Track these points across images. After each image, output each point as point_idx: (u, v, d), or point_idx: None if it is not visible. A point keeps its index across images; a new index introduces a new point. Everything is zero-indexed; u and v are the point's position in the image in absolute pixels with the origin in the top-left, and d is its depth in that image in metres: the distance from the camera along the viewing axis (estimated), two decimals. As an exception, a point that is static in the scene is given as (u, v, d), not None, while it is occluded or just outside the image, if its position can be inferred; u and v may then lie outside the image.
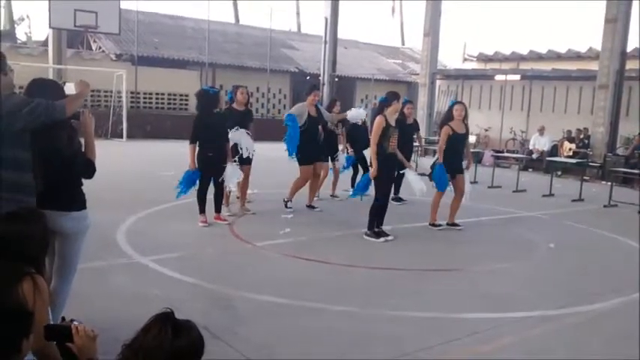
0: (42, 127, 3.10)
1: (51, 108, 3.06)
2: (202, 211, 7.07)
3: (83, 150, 3.37)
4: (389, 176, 6.95)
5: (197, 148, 6.90)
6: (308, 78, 23.55)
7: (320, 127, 8.33)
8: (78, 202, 3.37)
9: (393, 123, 6.78)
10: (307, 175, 8.25)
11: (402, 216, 8.12)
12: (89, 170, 3.36)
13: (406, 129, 8.59)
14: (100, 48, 20.71)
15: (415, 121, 9.72)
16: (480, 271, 5.90)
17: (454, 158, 7.62)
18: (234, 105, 7.67)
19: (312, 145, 8.12)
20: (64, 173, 3.28)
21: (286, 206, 8.18)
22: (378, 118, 6.71)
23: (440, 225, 7.63)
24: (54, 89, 3.35)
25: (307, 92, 8.25)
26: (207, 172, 6.97)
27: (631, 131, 15.56)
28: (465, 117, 7.64)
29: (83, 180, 3.42)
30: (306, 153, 8.08)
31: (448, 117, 7.70)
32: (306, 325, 4.21)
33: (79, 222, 3.37)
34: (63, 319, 2.48)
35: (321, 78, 23.15)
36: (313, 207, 8.55)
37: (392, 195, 9.15)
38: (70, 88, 3.44)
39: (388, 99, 6.83)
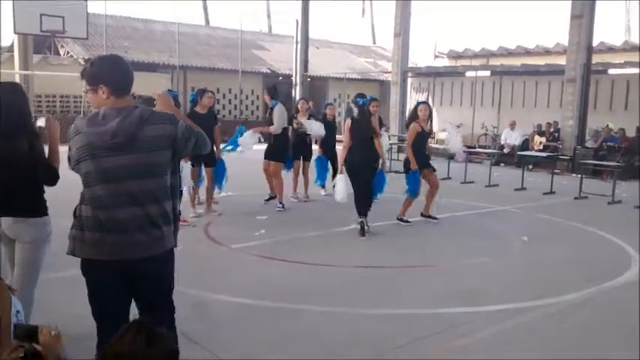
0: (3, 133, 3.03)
1: (205, 141, 2.80)
2: None
3: (46, 156, 3.25)
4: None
5: None
6: (280, 79, 23.51)
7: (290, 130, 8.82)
8: (38, 209, 3.25)
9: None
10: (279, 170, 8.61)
11: (375, 213, 8.14)
12: (52, 177, 3.23)
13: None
14: (68, 53, 20.38)
15: (379, 118, 9.64)
16: (455, 266, 5.97)
17: (422, 155, 7.73)
18: (197, 108, 7.62)
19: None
20: (23, 179, 3.15)
21: (283, 207, 8.43)
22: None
23: (408, 222, 7.71)
24: (16, 94, 3.27)
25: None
26: None
27: (599, 124, 15.86)
28: (429, 116, 7.81)
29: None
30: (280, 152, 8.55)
31: (414, 116, 7.87)
32: (286, 327, 4.21)
33: (39, 229, 3.25)
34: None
35: (293, 78, 23.13)
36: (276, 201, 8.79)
37: None
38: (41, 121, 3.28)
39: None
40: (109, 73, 2.64)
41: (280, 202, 8.48)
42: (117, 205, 2.54)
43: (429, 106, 7.92)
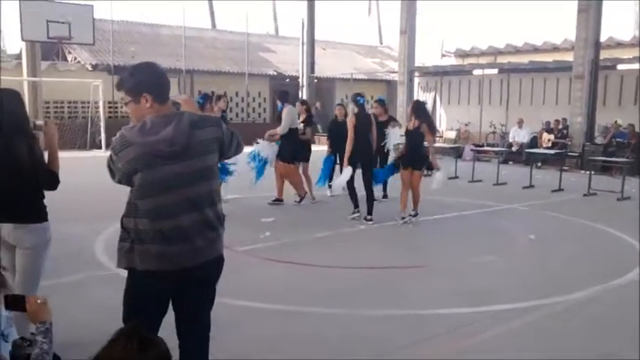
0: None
1: (242, 142, 2.79)
2: None
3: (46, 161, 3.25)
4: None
5: None
6: (287, 81, 23.52)
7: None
8: (37, 215, 3.23)
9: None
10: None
11: (380, 214, 8.11)
12: (52, 182, 3.23)
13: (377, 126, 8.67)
14: (75, 59, 20.50)
15: (389, 116, 9.75)
16: (462, 266, 5.93)
17: (410, 153, 7.71)
18: (215, 111, 7.83)
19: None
20: (23, 185, 3.14)
21: (300, 201, 9.01)
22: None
23: (403, 218, 7.71)
24: (13, 99, 3.28)
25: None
26: None
27: (608, 120, 15.73)
28: (419, 114, 7.70)
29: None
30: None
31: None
32: (290, 329, 4.20)
33: (39, 235, 3.24)
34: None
35: (300, 80, 23.12)
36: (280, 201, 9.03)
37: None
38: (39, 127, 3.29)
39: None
40: (150, 80, 2.57)
41: (298, 195, 8.99)
42: (177, 213, 2.50)
43: (414, 102, 8.38)
